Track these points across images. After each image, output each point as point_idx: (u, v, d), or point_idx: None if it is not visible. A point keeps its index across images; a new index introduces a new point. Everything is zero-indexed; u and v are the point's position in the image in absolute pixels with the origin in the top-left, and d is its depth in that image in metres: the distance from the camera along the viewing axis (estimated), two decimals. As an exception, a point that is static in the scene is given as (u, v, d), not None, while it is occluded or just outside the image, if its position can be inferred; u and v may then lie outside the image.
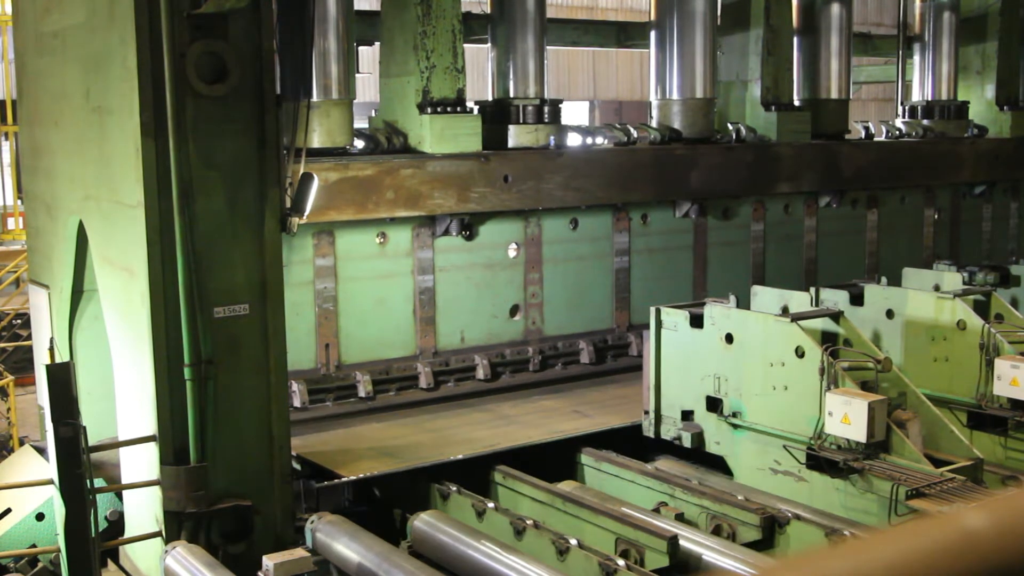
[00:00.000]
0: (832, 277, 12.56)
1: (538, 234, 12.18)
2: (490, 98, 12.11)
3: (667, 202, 13.05)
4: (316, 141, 10.44)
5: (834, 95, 14.28)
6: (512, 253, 12.01)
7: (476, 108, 11.63)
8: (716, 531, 8.66)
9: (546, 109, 11.96)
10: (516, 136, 11.77)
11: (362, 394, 11.07)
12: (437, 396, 11.39)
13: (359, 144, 11.08)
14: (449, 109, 11.18)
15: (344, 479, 9.20)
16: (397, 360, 11.40)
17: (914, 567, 1.23)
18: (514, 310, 12.14)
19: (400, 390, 11.33)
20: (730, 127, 13.39)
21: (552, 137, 11.91)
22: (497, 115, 11.81)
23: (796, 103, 13.97)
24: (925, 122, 15.64)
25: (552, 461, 9.97)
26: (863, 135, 14.95)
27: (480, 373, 11.77)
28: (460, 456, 9.63)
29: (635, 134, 12.67)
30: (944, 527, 1.28)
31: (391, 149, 11.11)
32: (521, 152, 11.70)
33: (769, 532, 8.54)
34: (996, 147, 16.03)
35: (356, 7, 11.48)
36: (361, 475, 9.31)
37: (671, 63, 12.89)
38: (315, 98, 10.04)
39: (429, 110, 11.10)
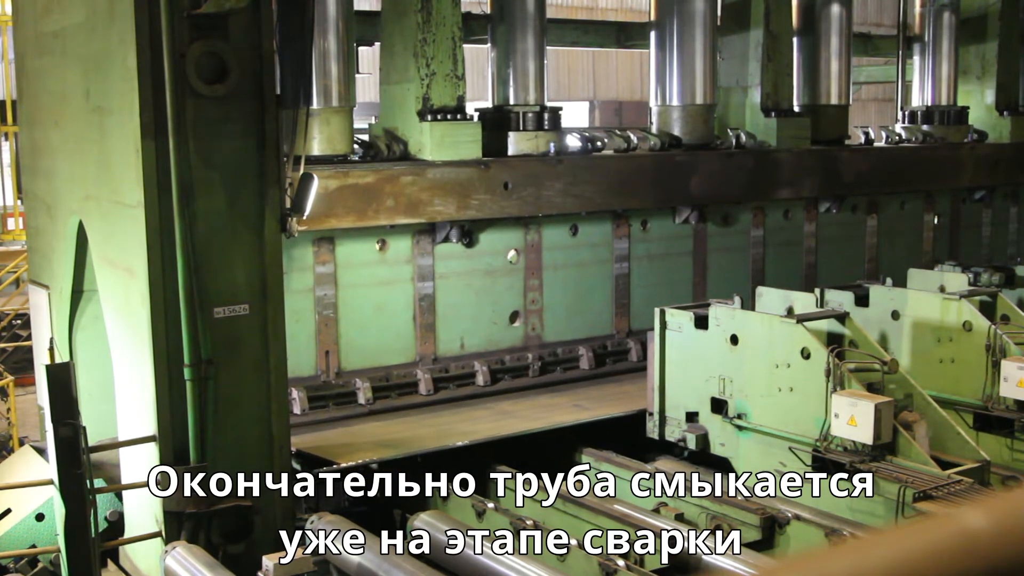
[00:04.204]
0: (832, 282, 12.53)
1: (538, 240, 12.18)
2: (490, 101, 12.12)
3: (667, 208, 13.05)
4: (316, 148, 10.44)
5: (834, 100, 14.28)
6: (512, 259, 12.00)
7: (476, 115, 11.63)
8: (716, 531, 8.64)
9: (546, 116, 11.96)
10: (516, 143, 11.78)
11: (362, 401, 11.06)
12: (436, 399, 11.38)
13: (359, 151, 11.08)
14: (449, 116, 11.18)
15: (343, 465, 9.22)
16: (397, 367, 11.37)
17: (914, 567, 1.23)
18: (514, 316, 12.12)
19: (400, 396, 11.32)
20: (730, 133, 13.41)
21: (552, 144, 11.91)
22: (497, 122, 11.82)
23: (796, 109, 13.98)
24: (925, 127, 15.64)
25: (552, 460, 9.97)
26: (863, 140, 14.94)
27: (480, 379, 11.75)
28: (462, 443, 9.66)
29: (635, 140, 12.67)
30: (944, 527, 1.28)
31: (391, 156, 11.10)
32: (521, 159, 11.70)
33: (769, 532, 8.54)
34: (996, 152, 16.02)
35: (356, 7, 11.46)
36: (360, 461, 9.33)
37: (671, 68, 12.91)
38: (315, 105, 10.05)
39: (429, 117, 11.09)
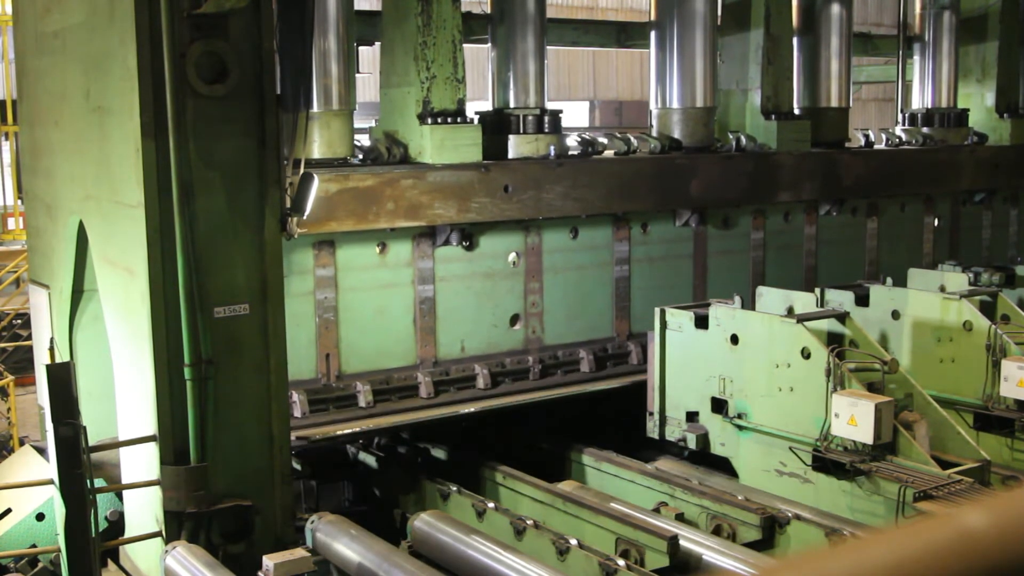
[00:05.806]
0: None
1: (538, 244, 12.16)
2: (490, 101, 12.13)
3: (667, 211, 13.03)
4: (316, 152, 10.44)
5: (834, 103, 14.27)
6: (512, 262, 11.99)
7: (476, 118, 11.62)
8: (716, 531, 8.64)
9: (546, 119, 11.96)
10: (516, 146, 11.77)
11: (362, 404, 11.04)
12: (437, 402, 11.36)
13: (359, 155, 11.09)
14: (449, 120, 11.18)
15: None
16: (397, 370, 11.35)
17: (914, 567, 1.23)
18: (514, 319, 12.10)
19: (400, 399, 11.30)
20: (730, 136, 13.39)
21: (552, 147, 11.91)
22: (497, 125, 11.81)
23: (796, 111, 13.97)
24: (925, 130, 15.62)
25: (552, 461, 9.98)
26: (863, 143, 14.94)
27: (480, 382, 11.74)
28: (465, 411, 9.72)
29: (635, 143, 12.68)
30: (944, 527, 1.27)
31: (391, 160, 11.10)
32: (521, 162, 11.68)
33: (769, 532, 8.53)
34: (996, 155, 15.99)
35: (356, 7, 11.46)
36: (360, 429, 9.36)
37: (671, 71, 12.91)
38: (315, 108, 10.05)
39: (429, 121, 11.09)
